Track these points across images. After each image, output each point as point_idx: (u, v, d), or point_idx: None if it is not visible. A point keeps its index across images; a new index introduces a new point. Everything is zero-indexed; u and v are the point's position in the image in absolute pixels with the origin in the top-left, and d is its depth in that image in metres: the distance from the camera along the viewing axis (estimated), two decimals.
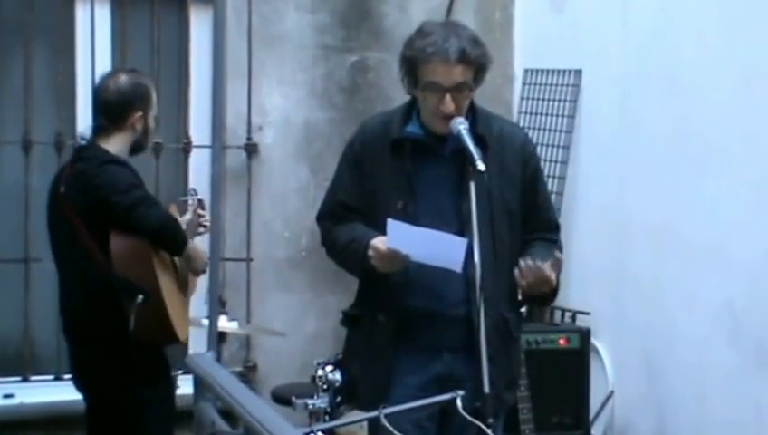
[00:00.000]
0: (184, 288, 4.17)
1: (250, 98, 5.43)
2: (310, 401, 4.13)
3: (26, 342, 5.20)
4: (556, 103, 5.51)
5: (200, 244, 4.13)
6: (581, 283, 5.18)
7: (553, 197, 4.87)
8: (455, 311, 3.43)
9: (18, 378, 5.21)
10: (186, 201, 4.26)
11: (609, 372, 5.18)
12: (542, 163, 3.93)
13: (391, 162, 3.48)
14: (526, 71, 5.80)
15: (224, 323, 4.39)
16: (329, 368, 4.09)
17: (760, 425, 4.32)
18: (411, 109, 3.52)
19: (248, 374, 5.42)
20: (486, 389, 3.17)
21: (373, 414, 2.89)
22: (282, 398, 4.60)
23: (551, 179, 5.26)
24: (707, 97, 4.58)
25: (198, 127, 5.33)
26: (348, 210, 3.54)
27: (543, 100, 5.61)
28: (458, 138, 3.31)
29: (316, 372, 4.13)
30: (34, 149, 5.17)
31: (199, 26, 5.42)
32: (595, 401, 5.09)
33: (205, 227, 4.21)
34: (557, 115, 5.49)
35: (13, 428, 4.99)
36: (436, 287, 3.43)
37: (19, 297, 5.16)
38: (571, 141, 5.42)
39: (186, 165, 5.42)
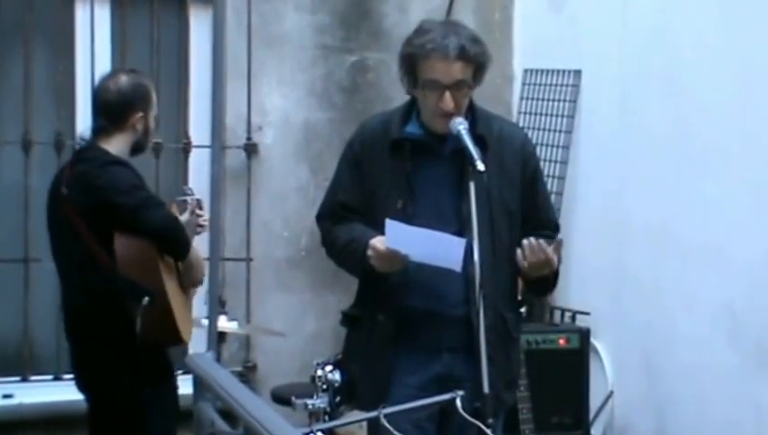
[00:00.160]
0: (186, 289, 4.17)
1: (250, 98, 5.42)
2: (309, 401, 4.13)
3: (26, 342, 5.19)
4: (556, 103, 5.51)
5: (200, 244, 4.13)
6: (581, 283, 5.18)
7: (553, 197, 4.88)
8: (454, 311, 3.43)
9: (18, 378, 5.21)
10: (185, 201, 4.25)
11: (608, 373, 5.18)
12: (541, 163, 3.93)
13: (391, 162, 3.47)
14: (526, 71, 5.79)
15: (223, 323, 4.39)
16: (328, 368, 4.10)
17: (760, 425, 4.32)
18: (411, 109, 3.51)
19: (248, 374, 5.41)
20: (486, 389, 3.17)
21: (373, 414, 2.89)
22: (281, 398, 4.61)
23: (550, 179, 5.26)
24: (707, 97, 4.58)
25: (198, 127, 5.33)
26: (347, 210, 3.54)
27: (543, 100, 5.61)
28: (458, 138, 3.31)
29: (316, 372, 4.13)
30: (34, 150, 5.17)
31: (199, 26, 5.42)
32: (595, 401, 5.09)
33: (202, 226, 4.20)
34: (556, 115, 5.49)
35: (12, 428, 4.99)
36: (435, 287, 3.42)
37: (19, 297, 5.16)
38: (570, 141, 5.42)
39: (185, 165, 5.42)
